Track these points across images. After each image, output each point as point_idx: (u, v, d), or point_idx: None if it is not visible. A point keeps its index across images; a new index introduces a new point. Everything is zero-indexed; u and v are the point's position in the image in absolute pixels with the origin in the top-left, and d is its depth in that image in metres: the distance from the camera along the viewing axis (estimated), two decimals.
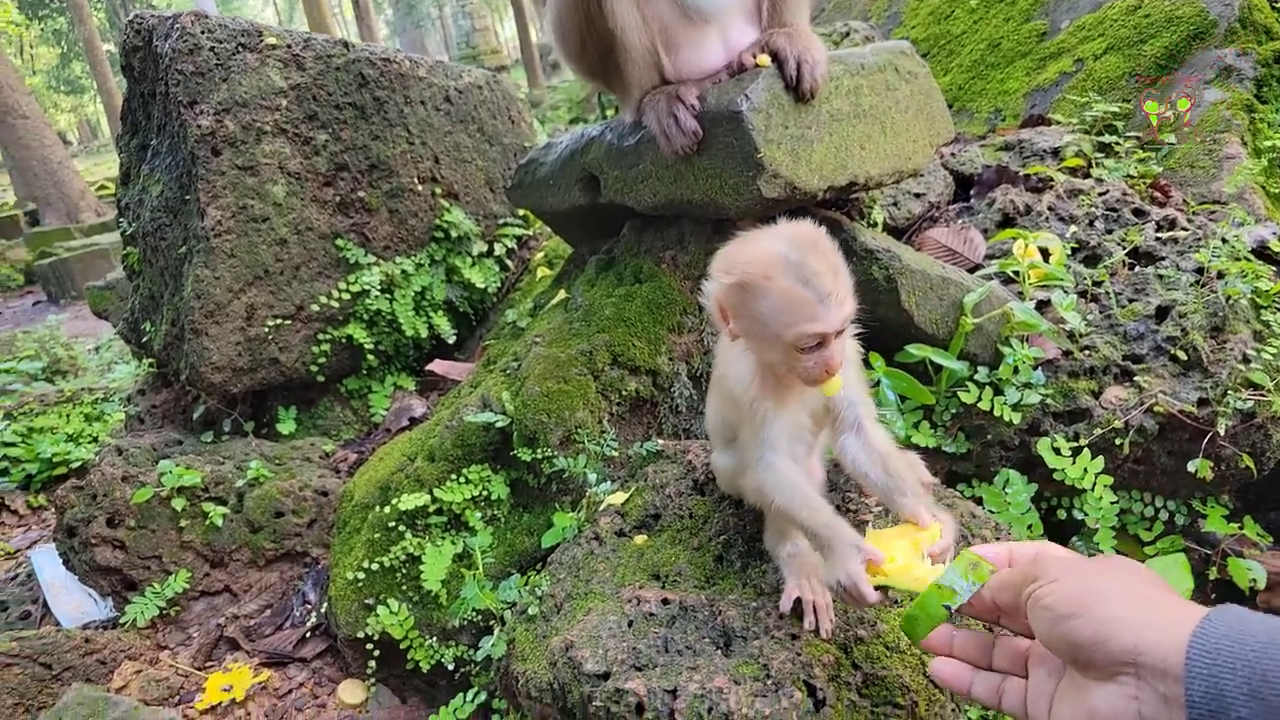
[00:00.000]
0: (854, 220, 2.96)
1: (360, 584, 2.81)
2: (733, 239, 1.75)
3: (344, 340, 3.56)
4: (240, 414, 3.62)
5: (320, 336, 3.53)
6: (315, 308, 3.47)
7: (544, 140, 4.29)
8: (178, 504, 3.21)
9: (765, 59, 2.47)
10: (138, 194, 3.73)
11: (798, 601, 1.93)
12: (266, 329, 3.41)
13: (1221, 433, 2.33)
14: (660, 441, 2.67)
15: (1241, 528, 2.40)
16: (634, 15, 2.46)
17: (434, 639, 2.71)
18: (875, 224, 3.12)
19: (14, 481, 4.66)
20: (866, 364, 2.59)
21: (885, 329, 2.69)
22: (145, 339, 3.86)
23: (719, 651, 1.89)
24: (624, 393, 2.75)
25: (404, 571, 2.80)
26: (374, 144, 3.57)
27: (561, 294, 3.02)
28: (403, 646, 2.70)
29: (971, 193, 3.46)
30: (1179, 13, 3.61)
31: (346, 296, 3.51)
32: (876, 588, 1.58)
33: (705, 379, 2.89)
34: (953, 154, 3.64)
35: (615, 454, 2.66)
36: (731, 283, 1.62)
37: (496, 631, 2.35)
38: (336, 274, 3.53)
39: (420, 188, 3.67)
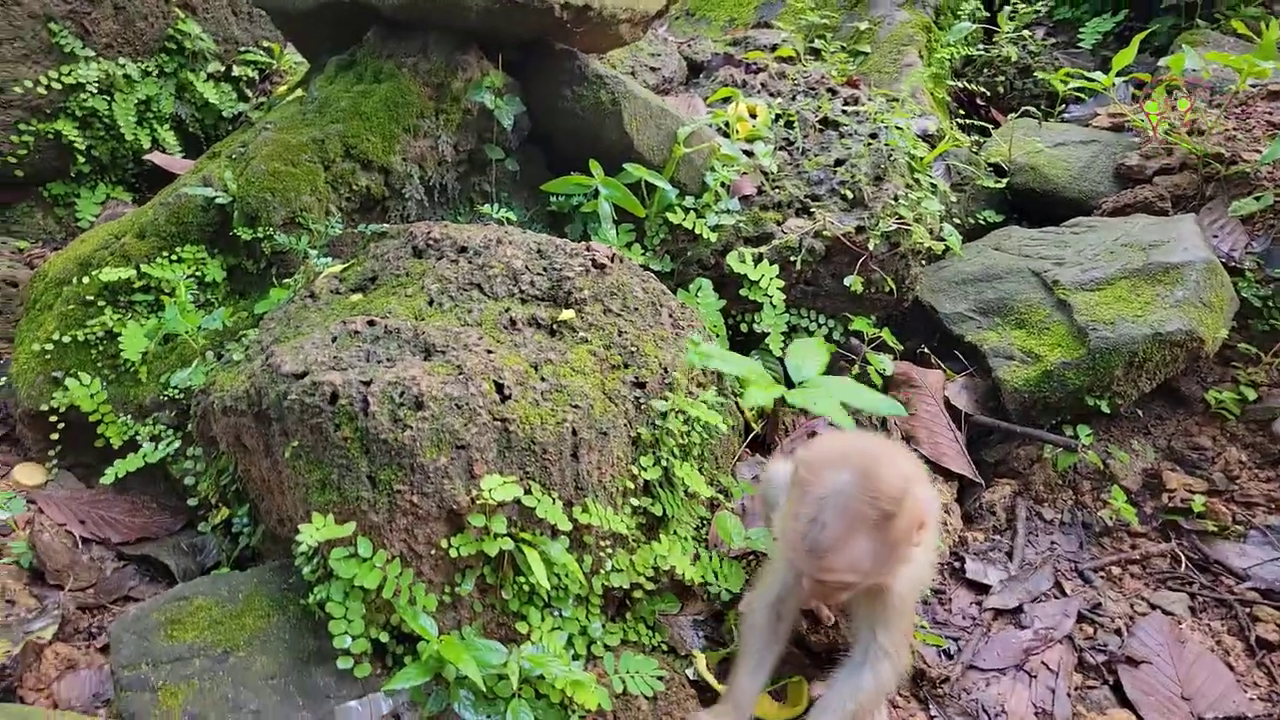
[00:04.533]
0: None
1: (48, 356, 2.64)
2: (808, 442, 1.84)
3: (50, 135, 3.29)
4: None
5: (22, 127, 3.24)
6: (18, 90, 3.18)
7: None
8: None
9: None
10: None
11: None
12: None
13: (871, 248, 2.77)
14: (387, 226, 2.74)
15: (880, 333, 2.88)
16: None
17: (129, 416, 2.60)
18: None
19: None
20: (586, 172, 2.80)
21: (609, 151, 2.91)
22: None
23: (419, 358, 2.01)
24: (355, 187, 2.78)
25: (100, 348, 2.67)
26: None
27: (299, 92, 2.99)
28: (93, 420, 2.56)
29: (701, 75, 3.81)
30: None
31: (57, 87, 3.25)
32: None
33: (440, 189, 2.99)
34: (689, 44, 3.99)
35: (339, 232, 2.69)
36: (796, 464, 1.69)
37: (195, 363, 2.32)
38: (47, 61, 3.25)
39: None
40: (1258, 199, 2.94)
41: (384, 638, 1.77)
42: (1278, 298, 2.84)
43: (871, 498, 1.54)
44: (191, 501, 2.31)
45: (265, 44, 3.87)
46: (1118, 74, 3.28)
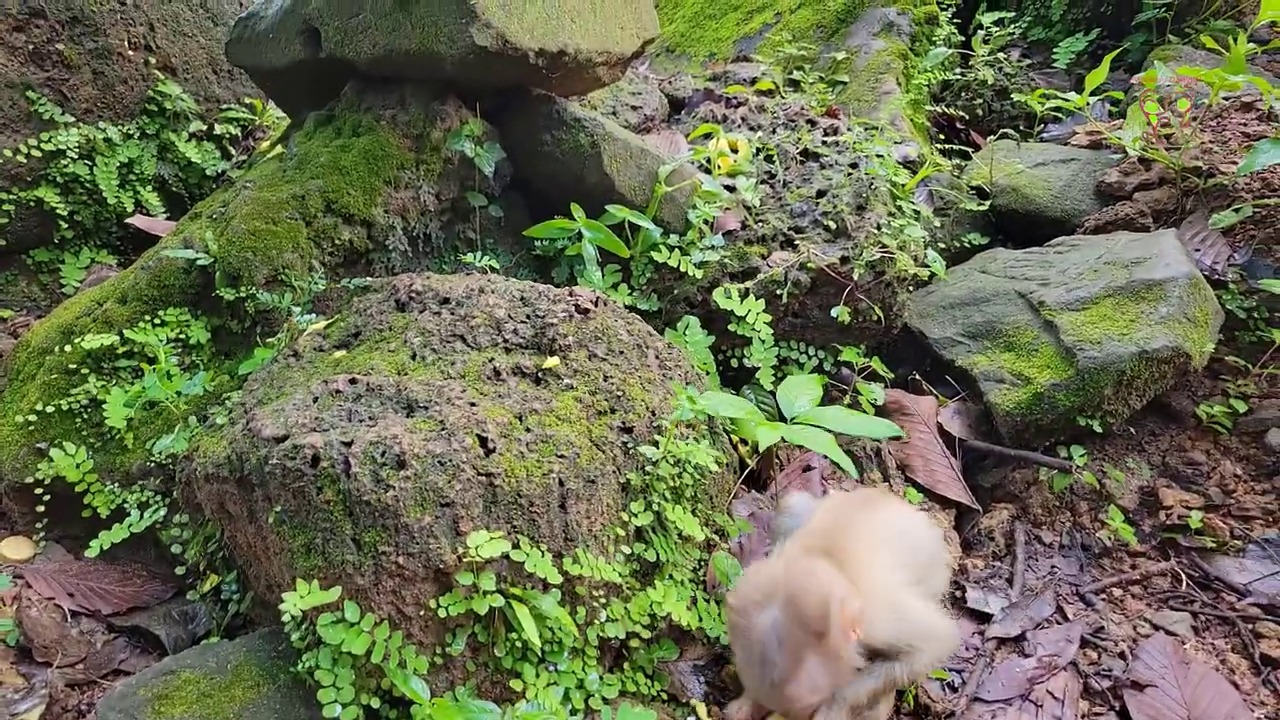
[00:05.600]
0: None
1: (31, 427, 2.62)
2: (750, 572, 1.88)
3: (32, 204, 3.30)
4: None
5: (2, 196, 3.25)
6: None
7: None
8: None
9: None
10: None
11: None
12: None
13: (856, 278, 2.77)
14: (370, 280, 2.74)
15: (870, 362, 2.86)
16: None
17: (116, 485, 2.58)
18: None
19: None
20: (569, 216, 2.81)
21: (591, 193, 2.92)
22: None
23: (401, 415, 2.00)
24: (337, 242, 2.78)
25: (85, 416, 2.65)
26: None
27: (279, 149, 3.01)
28: (79, 490, 2.54)
29: (682, 112, 3.83)
30: None
31: (37, 154, 3.26)
32: None
33: (424, 239, 3.00)
34: (670, 81, 4.02)
35: (323, 287, 2.68)
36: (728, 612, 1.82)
37: (177, 429, 2.30)
38: (26, 129, 3.27)
39: (132, 54, 3.48)
40: (1237, 211, 2.94)
41: (375, 703, 1.74)
42: (1262, 309, 2.84)
43: (802, 623, 1.69)
44: (180, 570, 2.29)
45: (248, 100, 3.90)
46: (1092, 92, 3.30)
